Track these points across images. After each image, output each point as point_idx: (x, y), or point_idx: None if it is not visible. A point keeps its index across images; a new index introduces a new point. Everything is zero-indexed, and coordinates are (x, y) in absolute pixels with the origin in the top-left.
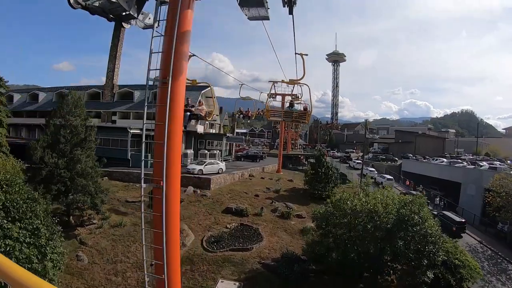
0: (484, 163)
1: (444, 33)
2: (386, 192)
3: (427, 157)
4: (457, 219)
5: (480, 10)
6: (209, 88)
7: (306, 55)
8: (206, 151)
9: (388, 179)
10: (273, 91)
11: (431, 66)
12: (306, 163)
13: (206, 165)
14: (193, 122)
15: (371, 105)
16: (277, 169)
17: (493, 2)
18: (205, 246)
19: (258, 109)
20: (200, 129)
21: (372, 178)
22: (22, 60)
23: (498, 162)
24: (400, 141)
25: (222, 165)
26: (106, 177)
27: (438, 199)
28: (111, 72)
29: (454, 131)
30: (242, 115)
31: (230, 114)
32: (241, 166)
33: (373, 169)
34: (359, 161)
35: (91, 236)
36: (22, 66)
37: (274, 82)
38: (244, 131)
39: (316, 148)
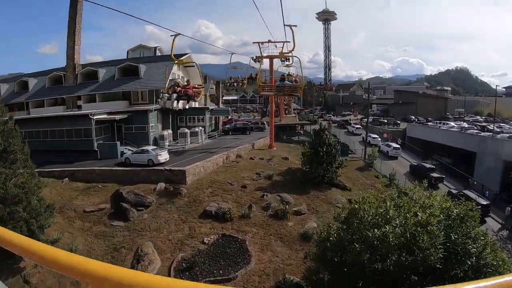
0: (493, 126)
1: None
2: (427, 202)
3: (430, 118)
4: (482, 201)
5: None
6: (187, 55)
7: (295, 26)
8: (187, 130)
9: (395, 148)
10: (259, 54)
11: (423, 23)
12: (301, 132)
13: (134, 153)
14: (180, 104)
15: (364, 64)
16: (269, 144)
17: None
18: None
19: (251, 74)
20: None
21: (376, 146)
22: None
23: (505, 125)
24: (400, 102)
25: (153, 154)
26: (67, 179)
27: None
28: (71, 50)
29: (449, 88)
30: (235, 83)
31: (216, 82)
32: (226, 145)
33: (376, 135)
34: (359, 126)
35: (36, 271)
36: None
37: (260, 43)
38: (235, 97)
39: (310, 111)
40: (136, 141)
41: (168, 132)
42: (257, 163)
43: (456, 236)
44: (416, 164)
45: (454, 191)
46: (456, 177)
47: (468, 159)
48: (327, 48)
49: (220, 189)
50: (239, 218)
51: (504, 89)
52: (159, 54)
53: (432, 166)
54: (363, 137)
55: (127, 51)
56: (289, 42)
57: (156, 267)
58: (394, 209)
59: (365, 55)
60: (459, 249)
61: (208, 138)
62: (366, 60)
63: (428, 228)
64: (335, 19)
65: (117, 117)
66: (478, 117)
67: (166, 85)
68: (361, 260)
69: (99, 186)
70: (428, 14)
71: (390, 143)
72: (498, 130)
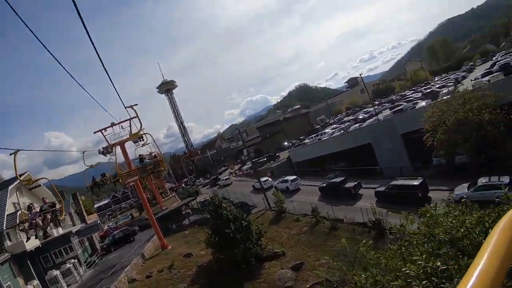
0: (362, 114)
1: (252, 32)
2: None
3: (302, 137)
4: (416, 182)
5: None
6: (25, 174)
7: (136, 105)
8: (56, 272)
9: (293, 180)
10: (106, 144)
11: (253, 63)
12: (189, 211)
13: None
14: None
15: (216, 119)
16: (160, 244)
17: None
18: None
19: (94, 178)
20: (31, 244)
21: (272, 188)
22: None
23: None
24: (268, 135)
25: None
26: None
27: None
28: None
29: (299, 106)
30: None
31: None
32: (112, 269)
33: (266, 177)
34: (227, 176)
35: None
36: None
37: (102, 131)
38: (106, 201)
39: (186, 183)
40: None
41: (33, 285)
42: (158, 280)
43: None
44: (324, 184)
45: (381, 188)
46: (367, 175)
47: (363, 152)
48: (177, 115)
49: None
50: None
51: (347, 84)
52: None
53: (342, 178)
54: (253, 185)
55: None
56: (135, 117)
57: None
58: None
59: (214, 110)
60: None
61: (88, 267)
62: (216, 115)
63: None
64: (176, 86)
65: None
66: (339, 115)
67: None
68: None
69: None
70: (254, 54)
71: (286, 177)
72: (366, 116)
